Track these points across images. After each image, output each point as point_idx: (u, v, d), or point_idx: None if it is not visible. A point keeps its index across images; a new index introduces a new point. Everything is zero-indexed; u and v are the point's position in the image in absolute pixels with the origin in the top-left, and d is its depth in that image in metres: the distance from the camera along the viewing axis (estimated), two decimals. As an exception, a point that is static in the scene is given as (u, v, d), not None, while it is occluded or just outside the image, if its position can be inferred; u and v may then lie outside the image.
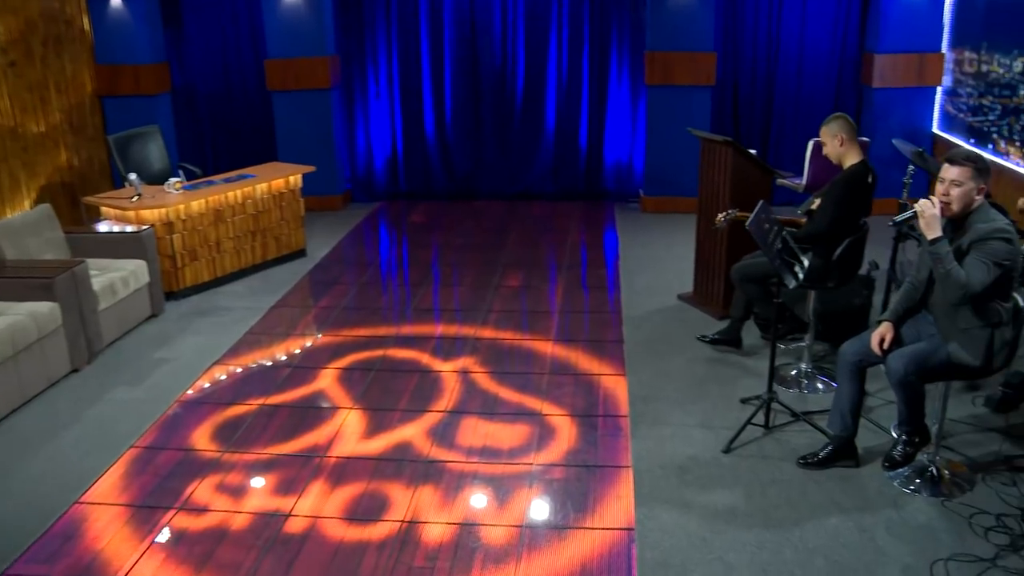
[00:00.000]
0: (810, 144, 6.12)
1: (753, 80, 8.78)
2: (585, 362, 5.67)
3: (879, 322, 4.26)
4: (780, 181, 6.27)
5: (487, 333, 6.13)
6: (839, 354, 4.41)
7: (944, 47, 8.21)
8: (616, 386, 5.35)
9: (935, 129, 8.47)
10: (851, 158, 5.11)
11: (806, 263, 4.58)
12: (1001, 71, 7.15)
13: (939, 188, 3.96)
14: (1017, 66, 6.91)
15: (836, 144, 5.09)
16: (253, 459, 4.61)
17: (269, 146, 9.17)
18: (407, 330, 6.22)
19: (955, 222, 3.97)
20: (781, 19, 8.58)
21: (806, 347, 5.40)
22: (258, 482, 4.40)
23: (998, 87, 7.20)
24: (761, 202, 4.65)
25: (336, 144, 9.12)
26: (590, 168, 9.38)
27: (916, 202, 3.95)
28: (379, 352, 5.86)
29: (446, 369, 5.60)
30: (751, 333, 5.80)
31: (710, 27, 8.21)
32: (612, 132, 9.21)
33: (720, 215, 5.47)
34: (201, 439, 4.83)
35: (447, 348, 5.91)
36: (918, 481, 4.29)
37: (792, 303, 5.46)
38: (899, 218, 4.08)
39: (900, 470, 4.31)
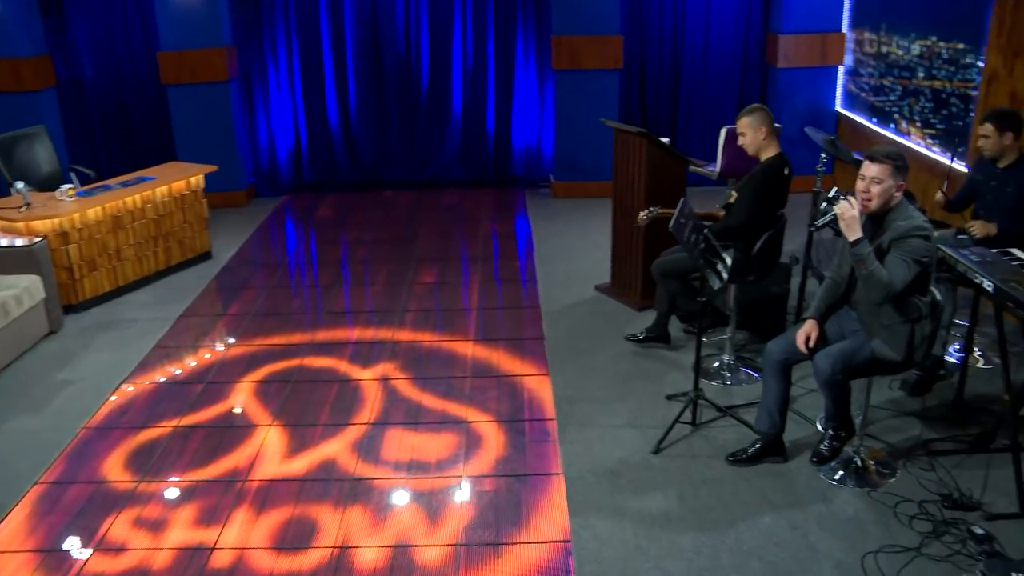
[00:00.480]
0: (723, 131, 6.15)
1: (660, 63, 8.79)
2: (507, 362, 5.61)
3: (803, 320, 4.31)
4: (693, 168, 6.28)
5: (405, 335, 6.00)
6: (764, 352, 4.44)
7: (845, 27, 8.36)
8: (540, 387, 5.30)
9: (838, 108, 8.63)
10: (769, 151, 5.14)
11: (728, 261, 4.59)
12: (900, 52, 7.30)
13: (859, 185, 4.00)
14: (915, 49, 7.07)
15: (759, 136, 5.11)
16: (171, 488, 4.41)
17: (166, 143, 8.78)
18: (322, 336, 6.04)
19: (874, 219, 4.01)
20: (686, 1, 8.59)
21: (728, 339, 5.45)
22: (179, 513, 4.21)
23: (898, 68, 7.36)
24: (682, 200, 4.64)
25: (237, 138, 8.80)
26: (498, 154, 9.29)
27: (836, 203, 3.99)
28: (295, 361, 5.67)
29: (366, 377, 5.46)
30: (672, 325, 5.82)
31: (616, 10, 8.17)
32: (519, 117, 9.12)
33: (642, 213, 5.44)
34: (113, 469, 4.59)
35: (365, 354, 5.76)
36: (844, 473, 4.38)
37: (713, 296, 5.47)
38: (820, 222, 4.12)
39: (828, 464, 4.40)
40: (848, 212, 3.92)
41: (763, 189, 5.07)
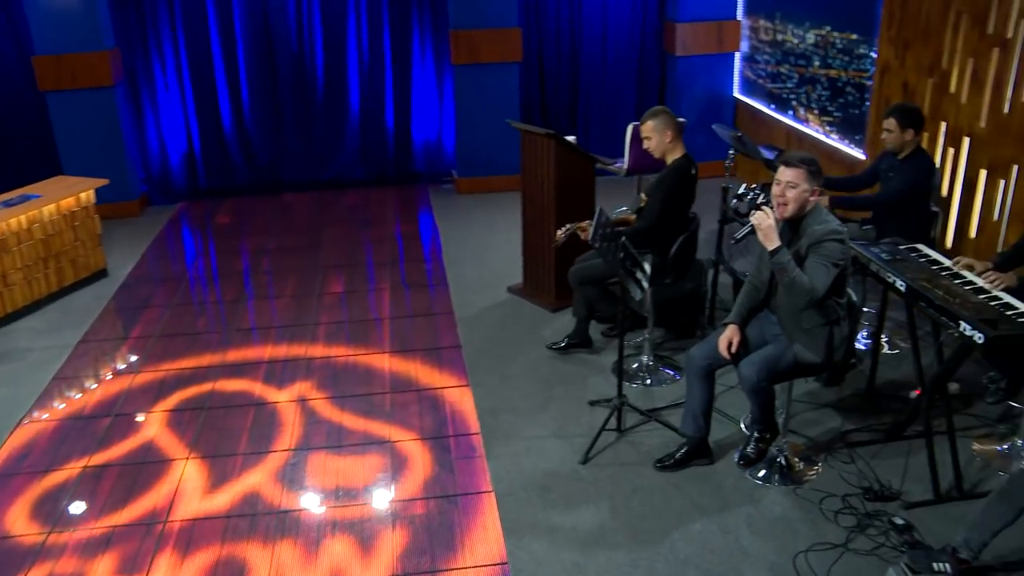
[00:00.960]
0: (629, 128, 6.17)
1: (558, 54, 8.77)
2: (426, 375, 5.54)
3: (724, 325, 4.37)
4: (601, 166, 6.30)
5: (318, 351, 5.87)
6: (687, 358, 4.49)
7: (740, 15, 8.48)
8: (462, 399, 5.25)
9: (736, 94, 8.78)
10: (675, 152, 5.19)
11: (648, 269, 4.61)
12: (795, 41, 7.46)
13: (775, 189, 4.06)
14: (810, 38, 7.23)
15: (664, 140, 5.14)
16: (86, 537, 4.19)
17: (49, 154, 8.32)
18: (233, 356, 5.85)
19: (791, 225, 4.08)
20: (583, -7, 8.62)
21: (646, 339, 5.50)
22: (96, 565, 4.01)
23: (794, 56, 7.52)
24: (599, 209, 4.65)
25: (126, 145, 8.41)
26: (399, 151, 9.15)
27: (753, 215, 4.04)
28: (207, 386, 5.48)
29: (282, 399, 5.32)
30: (590, 327, 5.83)
31: (513, 2, 8.11)
32: (419, 113, 9.00)
33: (559, 232, 5.41)
34: (18, 521, 4.34)
35: (279, 373, 5.61)
36: (769, 472, 4.47)
37: (631, 299, 5.51)
38: (738, 235, 4.17)
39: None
40: (765, 222, 3.98)
41: (672, 192, 5.12)
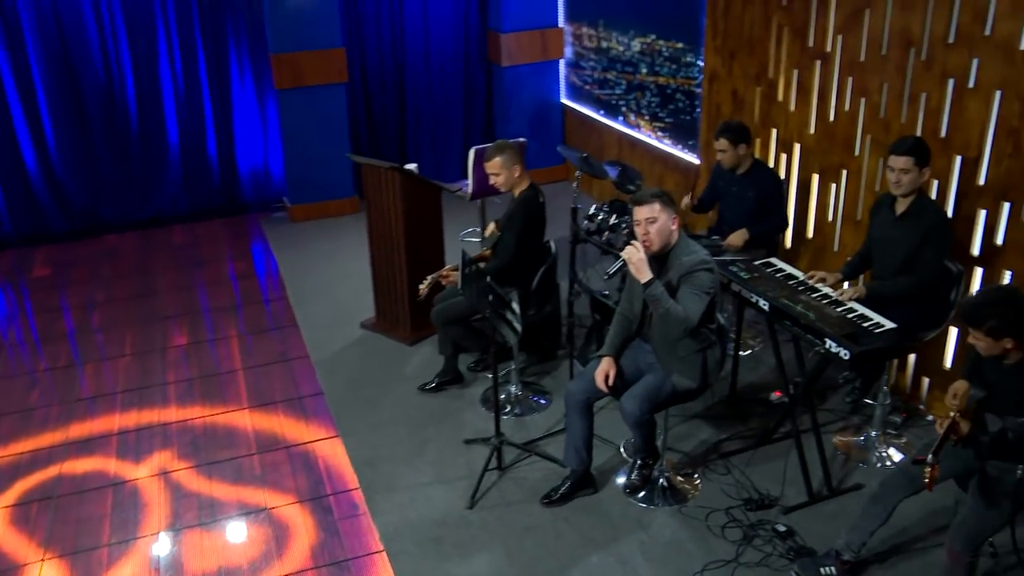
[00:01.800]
0: (471, 153, 6.14)
1: (382, 72, 8.60)
2: (291, 429, 5.34)
3: (599, 357, 4.43)
4: (446, 190, 6.24)
5: (172, 415, 5.54)
6: (566, 395, 4.52)
7: (561, 22, 8.59)
8: (334, 452, 5.10)
9: (563, 100, 8.91)
10: (523, 184, 5.22)
11: (517, 309, 4.61)
12: (621, 48, 7.63)
13: (638, 230, 4.14)
14: (636, 46, 7.41)
15: (513, 175, 5.16)
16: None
17: None
18: (77, 431, 5.42)
19: (657, 258, 4.17)
20: (403, 7, 8.45)
21: (513, 370, 5.50)
22: None
23: (621, 63, 7.69)
24: (463, 253, 4.61)
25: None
26: (225, 180, 8.73)
27: (623, 250, 4.10)
28: (53, 470, 5.06)
29: (141, 475, 4.99)
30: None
31: (336, 22, 7.88)
32: (243, 139, 8.61)
33: (422, 286, 5.32)
34: None
35: (133, 445, 5.25)
36: (653, 494, 4.58)
37: (484, 327, 5.49)
38: (611, 270, 4.22)
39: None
40: (635, 256, 4.05)
41: (526, 224, 5.15)
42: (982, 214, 4.65)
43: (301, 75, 7.88)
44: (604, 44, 7.88)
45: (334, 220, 8.38)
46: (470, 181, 6.23)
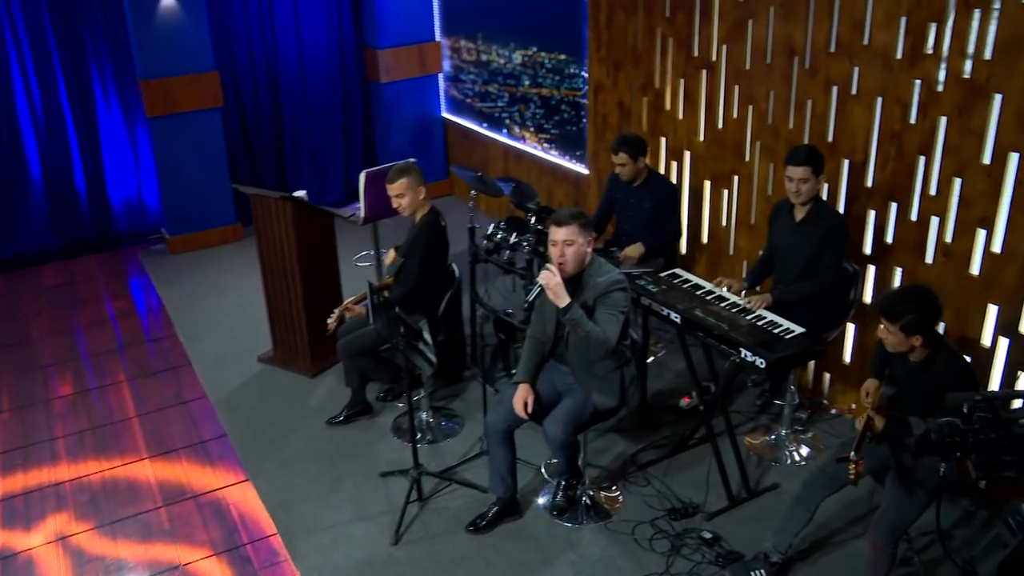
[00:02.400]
0: (362, 176, 6.00)
1: (257, 94, 8.32)
2: (198, 476, 5.10)
3: (514, 384, 4.39)
4: (339, 217, 6.09)
5: (65, 473, 5.19)
6: (486, 426, 4.46)
7: (438, 35, 8.52)
8: (246, 497, 4.90)
9: (444, 114, 8.84)
10: (424, 208, 5.13)
11: (428, 338, 4.53)
12: (502, 61, 7.62)
13: (553, 251, 4.11)
14: (517, 58, 7.41)
15: (418, 197, 5.06)
16: None
17: None
18: (-43, 500, 5.04)
19: (572, 279, 4.16)
20: (275, 29, 8.18)
21: (424, 396, 5.41)
22: None
23: (502, 76, 7.68)
24: (368, 284, 4.50)
25: None
26: (96, 213, 8.26)
27: (540, 275, 4.07)
28: (-65, 546, 4.70)
29: (36, 543, 4.65)
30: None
31: (207, 45, 7.57)
32: (113, 170, 8.17)
33: (330, 320, 5.15)
34: None
35: (22, 511, 4.89)
36: (577, 513, 4.58)
37: (393, 357, 5.37)
38: (529, 296, 4.18)
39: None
40: (552, 281, 4.02)
41: (429, 250, 5.06)
42: (871, 215, 4.84)
43: (174, 101, 7.55)
44: (484, 57, 7.86)
45: (217, 250, 8.08)
46: (362, 205, 6.10)
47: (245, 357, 6.29)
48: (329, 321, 5.15)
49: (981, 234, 4.34)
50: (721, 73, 5.55)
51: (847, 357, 5.19)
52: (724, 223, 5.81)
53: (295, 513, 4.75)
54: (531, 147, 7.57)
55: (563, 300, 4.02)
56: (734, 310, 4.48)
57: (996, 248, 4.28)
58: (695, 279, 4.81)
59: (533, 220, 5.41)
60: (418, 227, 5.09)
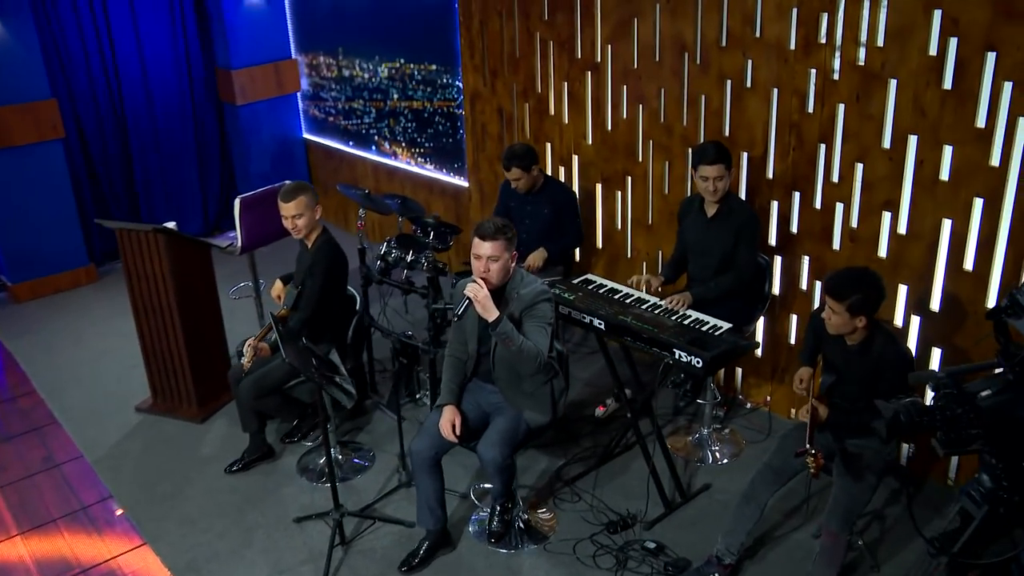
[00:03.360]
0: (237, 202, 5.59)
1: (100, 122, 7.67)
2: (84, 547, 4.57)
3: (439, 407, 4.14)
4: (216, 247, 5.66)
5: (-76, 560, 4.58)
6: (412, 454, 4.16)
7: (294, 52, 8.14)
8: (146, 564, 4.43)
9: (304, 135, 8.45)
10: (318, 229, 4.79)
11: (343, 369, 4.22)
12: (366, 75, 7.32)
13: (477, 265, 3.90)
14: (384, 71, 7.14)
15: (314, 217, 4.71)
16: None
17: None
18: None
19: (494, 293, 3.94)
20: (115, 52, 7.56)
21: (330, 432, 5.06)
22: None
23: (367, 91, 7.38)
24: (270, 315, 4.16)
25: None
26: (-78, 265, 7.45)
27: (466, 287, 3.85)
28: None
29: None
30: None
31: (40, 70, 6.89)
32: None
33: (245, 361, 4.67)
34: None
35: None
36: (512, 538, 4.36)
37: (300, 394, 5.00)
38: (458, 311, 3.93)
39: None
40: (480, 294, 3.81)
41: (329, 273, 4.72)
42: (775, 206, 4.86)
43: (9, 134, 6.84)
44: (347, 72, 7.54)
45: (69, 294, 7.39)
46: (238, 233, 5.69)
47: (120, 408, 5.73)
48: (244, 361, 4.69)
49: (886, 217, 4.42)
50: (607, 74, 5.48)
51: (758, 350, 5.19)
52: (619, 226, 5.74)
53: (206, 574, 4.32)
54: (404, 163, 7.31)
55: (492, 313, 3.82)
56: (657, 311, 4.38)
57: (902, 230, 4.36)
58: (610, 283, 4.69)
59: (431, 236, 5.17)
60: (314, 250, 4.74)
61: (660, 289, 4.69)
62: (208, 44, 8.01)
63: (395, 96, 7.12)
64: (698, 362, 3.94)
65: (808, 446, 3.49)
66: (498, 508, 4.30)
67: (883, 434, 2.99)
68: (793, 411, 5.12)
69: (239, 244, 5.77)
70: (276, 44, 8.02)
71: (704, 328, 4.19)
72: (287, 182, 4.84)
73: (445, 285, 5.58)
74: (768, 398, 5.26)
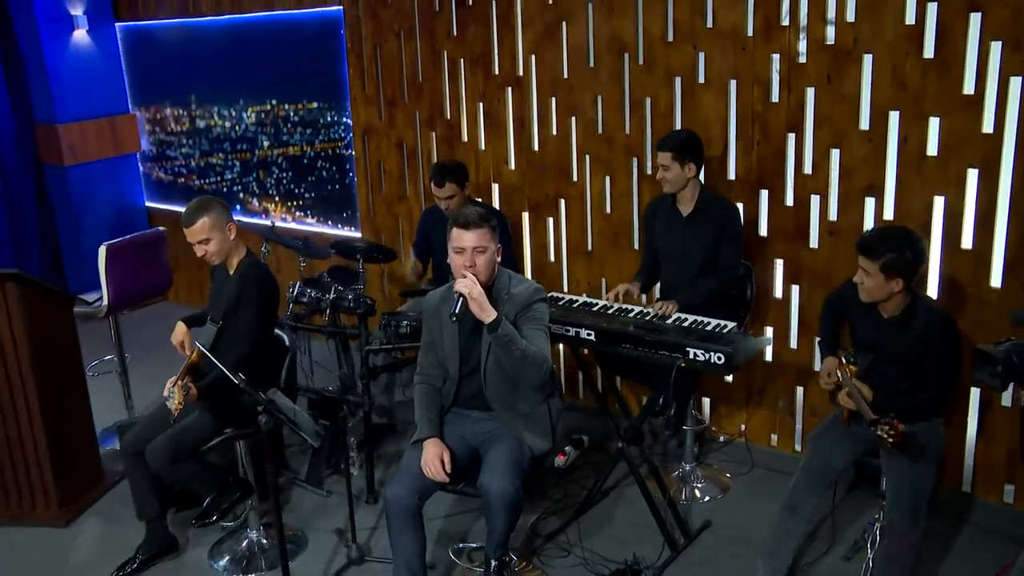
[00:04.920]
0: (101, 251, 4.94)
1: None
2: None
3: (416, 444, 3.67)
4: (79, 310, 4.95)
5: None
6: (388, 503, 3.57)
7: (131, 107, 7.53)
8: None
9: (147, 203, 7.78)
10: (240, 251, 4.21)
11: (299, 417, 3.69)
12: (228, 124, 6.84)
13: (459, 260, 3.54)
14: (250, 117, 6.69)
15: (228, 236, 4.11)
16: None
17: None
18: None
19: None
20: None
21: (250, 510, 4.41)
22: None
23: (230, 141, 6.89)
24: (197, 345, 3.61)
25: None
26: None
27: (457, 282, 3.47)
28: None
29: None
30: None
31: None
32: None
33: (175, 405, 3.92)
34: None
35: None
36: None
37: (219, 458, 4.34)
38: (456, 310, 3.49)
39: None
40: (475, 289, 3.43)
41: (265, 301, 4.14)
42: (740, 208, 4.72)
43: None
44: (201, 123, 7.03)
45: None
46: (104, 291, 5.04)
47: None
48: (173, 406, 3.91)
49: (870, 203, 4.39)
50: (531, 88, 5.31)
51: (729, 376, 5.01)
52: (552, 257, 5.49)
53: None
54: (280, 220, 6.81)
55: (489, 312, 3.44)
56: (647, 318, 4.12)
57: (888, 215, 4.34)
58: (580, 298, 4.41)
59: (360, 265, 4.74)
60: (239, 277, 4.11)
61: (638, 296, 4.46)
62: (22, 95, 7.23)
63: (265, 144, 6.67)
64: (720, 358, 3.69)
65: (878, 417, 3.28)
66: (494, 564, 3.77)
67: (997, 383, 2.85)
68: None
69: (105, 303, 5.10)
70: (110, 96, 7.40)
71: (709, 328, 3.96)
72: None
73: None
74: (743, 427, 5.05)
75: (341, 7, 5.97)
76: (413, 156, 5.91)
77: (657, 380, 4.23)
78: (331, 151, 6.34)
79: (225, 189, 7.10)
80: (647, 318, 4.11)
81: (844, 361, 3.71)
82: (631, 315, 4.16)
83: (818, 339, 4.03)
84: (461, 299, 3.44)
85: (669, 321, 4.06)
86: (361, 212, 6.29)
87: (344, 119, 6.19)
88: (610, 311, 4.22)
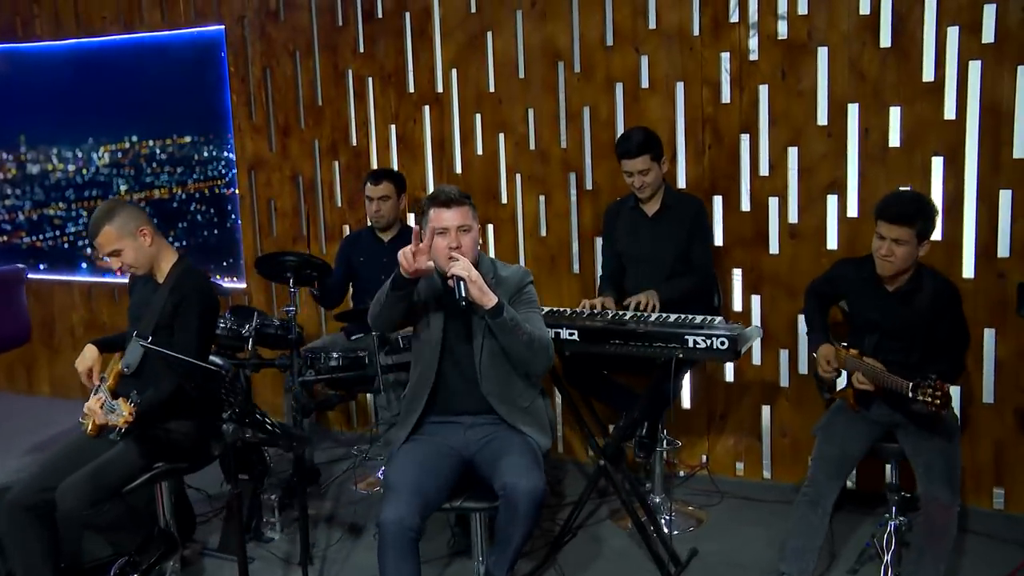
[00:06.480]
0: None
1: None
2: None
3: (395, 431, 3.58)
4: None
5: None
6: (384, 529, 3.36)
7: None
8: None
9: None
10: (169, 255, 3.98)
11: (269, 422, 3.51)
12: (72, 168, 6.53)
13: (445, 242, 3.50)
14: (102, 158, 6.42)
15: (145, 244, 3.88)
16: None
17: None
18: None
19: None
20: None
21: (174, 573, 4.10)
22: None
23: (74, 188, 6.56)
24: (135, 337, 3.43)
25: None
26: None
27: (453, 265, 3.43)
28: None
29: None
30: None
31: None
32: None
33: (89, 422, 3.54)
34: None
35: None
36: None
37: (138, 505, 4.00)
38: (461, 292, 3.42)
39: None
40: (474, 271, 3.41)
41: (206, 312, 3.92)
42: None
43: None
44: (34, 169, 6.63)
45: None
46: None
47: None
48: (88, 423, 3.61)
49: (832, 201, 4.64)
50: (452, 105, 5.38)
51: (686, 400, 5.12)
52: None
53: None
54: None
55: (490, 297, 3.41)
56: (629, 316, 4.18)
57: (852, 212, 4.60)
58: (546, 308, 4.43)
59: (291, 283, 4.61)
60: (172, 285, 3.83)
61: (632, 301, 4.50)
62: None
63: (123, 188, 6.39)
64: (723, 342, 3.76)
65: (918, 381, 3.41)
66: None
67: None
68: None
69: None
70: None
71: (698, 320, 4.06)
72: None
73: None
74: (705, 458, 5.14)
75: (222, 26, 5.88)
76: (312, 190, 5.83)
77: (633, 402, 4.34)
78: (208, 191, 6.15)
79: (66, 245, 6.71)
80: (629, 316, 4.16)
81: (841, 346, 3.88)
82: (610, 315, 4.20)
83: (806, 330, 4.17)
84: (462, 282, 3.41)
85: (653, 317, 4.13)
86: (247, 260, 6.10)
87: (225, 153, 6.04)
88: (586, 314, 4.25)
